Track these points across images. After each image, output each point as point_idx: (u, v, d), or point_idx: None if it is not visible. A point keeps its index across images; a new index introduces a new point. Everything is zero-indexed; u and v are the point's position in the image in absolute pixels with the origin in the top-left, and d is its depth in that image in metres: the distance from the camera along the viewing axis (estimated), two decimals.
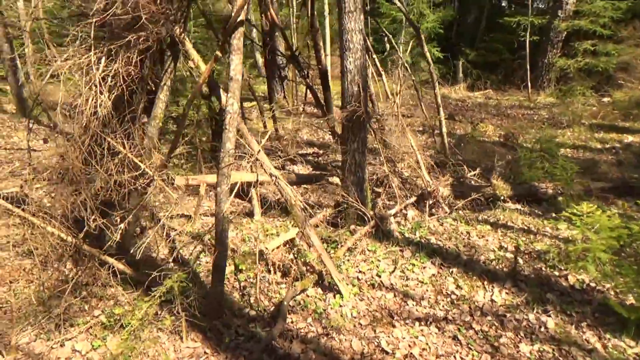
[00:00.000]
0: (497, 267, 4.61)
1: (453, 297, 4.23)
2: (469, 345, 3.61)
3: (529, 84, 15.79)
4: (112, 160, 5.13)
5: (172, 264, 5.03)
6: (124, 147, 4.53)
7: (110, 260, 4.49)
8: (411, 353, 3.55)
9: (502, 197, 6.04)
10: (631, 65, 16.62)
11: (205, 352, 3.61)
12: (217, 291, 4.05)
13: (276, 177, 4.41)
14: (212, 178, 5.93)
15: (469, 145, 8.99)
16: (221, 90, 4.53)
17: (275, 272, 4.74)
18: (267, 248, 5.01)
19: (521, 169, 6.63)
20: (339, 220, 5.50)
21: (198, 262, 5.09)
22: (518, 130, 10.65)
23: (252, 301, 4.32)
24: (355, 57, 4.96)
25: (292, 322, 3.95)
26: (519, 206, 5.99)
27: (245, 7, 3.95)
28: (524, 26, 17.38)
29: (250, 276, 4.72)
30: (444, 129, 7.72)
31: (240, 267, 4.83)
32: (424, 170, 5.85)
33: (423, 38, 7.47)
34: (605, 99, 15.68)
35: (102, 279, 4.45)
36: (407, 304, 4.18)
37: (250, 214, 6.30)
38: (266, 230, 5.77)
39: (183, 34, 4.55)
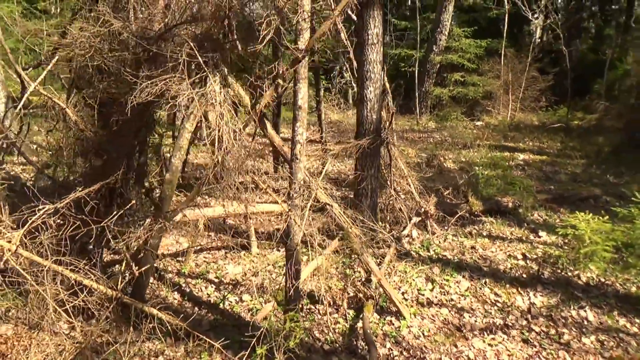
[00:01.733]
0: (518, 273, 5.14)
1: (498, 305, 4.61)
2: (542, 346, 3.99)
3: (418, 110, 17.51)
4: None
5: (196, 308, 4.62)
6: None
7: (154, 311, 3.98)
8: (502, 359, 3.81)
9: (476, 212, 6.70)
10: (494, 94, 19.49)
11: None
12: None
13: (331, 205, 4.39)
14: (212, 211, 5.60)
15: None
16: (266, 120, 4.38)
17: (321, 303, 4.64)
18: (301, 279, 4.89)
19: (479, 187, 7.42)
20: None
21: (229, 301, 4.75)
22: (438, 152, 11.76)
23: (317, 335, 4.19)
24: (375, 86, 5.19)
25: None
26: (491, 219, 6.71)
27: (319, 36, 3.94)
28: (404, 57, 19.36)
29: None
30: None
31: (282, 303, 4.62)
32: (415, 192, 6.25)
33: None
34: (478, 123, 18.09)
35: (144, 334, 3.92)
36: (464, 317, 4.43)
37: (244, 247, 6.01)
38: (277, 263, 5.58)
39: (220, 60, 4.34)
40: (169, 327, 4.00)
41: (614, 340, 4.02)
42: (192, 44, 3.24)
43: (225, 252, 5.99)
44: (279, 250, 5.95)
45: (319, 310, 4.55)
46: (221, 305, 4.70)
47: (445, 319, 4.39)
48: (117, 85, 3.87)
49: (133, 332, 3.90)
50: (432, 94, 19.14)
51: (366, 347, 3.95)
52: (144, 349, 3.95)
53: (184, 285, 5.12)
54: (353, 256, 5.25)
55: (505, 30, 18.91)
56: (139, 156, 4.58)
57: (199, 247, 5.98)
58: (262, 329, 3.55)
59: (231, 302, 4.76)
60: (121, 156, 4.29)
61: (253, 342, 3.43)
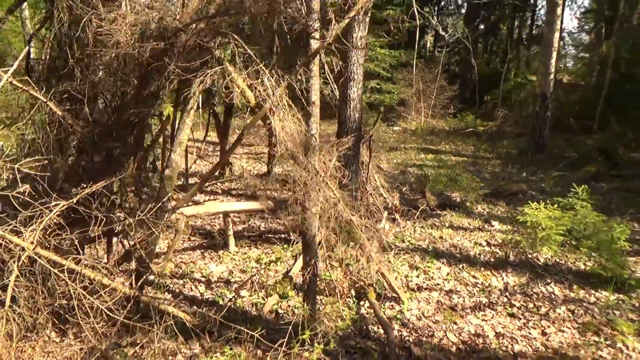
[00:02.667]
0: (486, 258, 5.69)
1: (478, 286, 5.09)
2: (526, 318, 4.51)
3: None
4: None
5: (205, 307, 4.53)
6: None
7: (170, 308, 3.86)
8: (498, 332, 4.25)
9: (432, 207, 7.25)
10: (407, 101, 20.80)
11: None
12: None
13: (339, 200, 4.56)
14: (222, 206, 5.50)
15: None
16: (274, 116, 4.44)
17: (329, 293, 4.79)
18: (294, 273, 5.02)
19: (428, 183, 8.01)
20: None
21: (227, 298, 4.70)
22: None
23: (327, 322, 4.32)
24: (357, 87, 5.46)
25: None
26: (445, 212, 7.29)
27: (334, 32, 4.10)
28: None
29: (297, 305, 4.64)
30: None
31: (285, 295, 4.69)
32: (382, 188, 6.62)
33: None
34: (395, 128, 19.20)
35: (160, 333, 3.78)
36: (453, 298, 4.84)
37: (217, 247, 5.93)
38: (260, 259, 5.60)
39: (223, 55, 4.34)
40: (178, 325, 3.94)
41: (581, 309, 4.66)
42: (236, 37, 3.25)
43: (202, 252, 5.87)
44: (257, 248, 5.97)
45: (321, 300, 4.68)
46: (221, 302, 4.65)
47: (438, 300, 4.76)
48: (140, 78, 3.72)
49: (148, 332, 3.77)
50: None
51: (379, 330, 4.18)
52: (161, 348, 3.80)
53: (171, 285, 4.97)
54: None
55: (416, 43, 20.33)
56: (142, 152, 4.39)
57: (176, 248, 5.79)
58: (293, 320, 3.63)
59: (229, 298, 4.72)
60: (127, 151, 4.09)
61: (289, 330, 3.50)
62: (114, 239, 4.66)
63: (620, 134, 13.29)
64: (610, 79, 14.84)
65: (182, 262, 5.62)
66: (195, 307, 4.54)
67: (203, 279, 5.14)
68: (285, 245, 5.89)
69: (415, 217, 6.73)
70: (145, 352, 3.75)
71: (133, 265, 3.95)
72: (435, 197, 7.38)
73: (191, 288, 4.95)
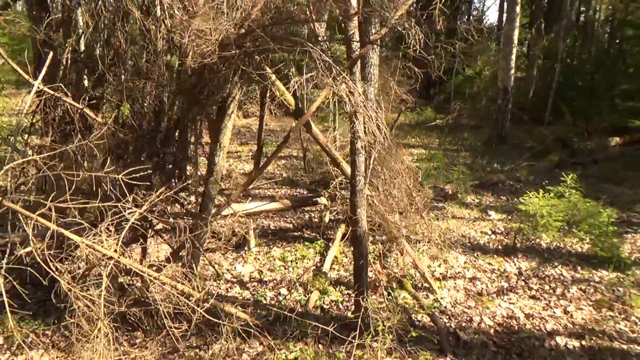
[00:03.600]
0: (495, 246, 6.12)
1: (496, 272, 5.48)
2: (546, 299, 4.94)
3: None
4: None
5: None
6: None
7: (233, 310, 3.93)
8: (527, 313, 4.64)
9: (430, 199, 7.62)
10: None
11: None
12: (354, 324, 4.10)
13: (371, 195, 4.77)
14: (248, 207, 5.53)
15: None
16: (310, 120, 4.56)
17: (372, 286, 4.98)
18: (327, 268, 5.20)
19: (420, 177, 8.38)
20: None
21: (269, 297, 4.81)
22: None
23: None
24: (374, 87, 5.66)
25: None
26: (443, 204, 7.69)
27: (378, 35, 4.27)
28: None
29: (338, 299, 4.82)
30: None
31: (325, 291, 4.85)
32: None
33: None
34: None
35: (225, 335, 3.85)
36: (477, 284, 5.20)
37: (238, 247, 5.98)
38: (285, 257, 5.72)
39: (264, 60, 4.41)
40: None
41: (590, 288, 5.15)
42: (309, 45, 3.37)
43: (223, 253, 5.90)
44: (277, 247, 6.07)
45: (349, 293, 4.88)
46: (264, 301, 4.74)
47: (464, 288, 5.10)
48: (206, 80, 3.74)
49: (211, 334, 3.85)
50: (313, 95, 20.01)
51: (422, 319, 4.45)
52: (224, 350, 3.88)
53: (207, 287, 4.99)
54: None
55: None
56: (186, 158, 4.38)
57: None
58: (360, 313, 3.81)
59: (271, 297, 4.82)
60: (173, 157, 4.09)
61: (359, 324, 3.68)
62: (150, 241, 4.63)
63: (573, 124, 14.37)
64: (559, 72, 15.94)
65: (204, 263, 5.63)
66: (239, 307, 4.61)
67: (235, 280, 5.19)
68: (307, 243, 6.03)
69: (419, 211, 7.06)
70: (210, 353, 3.82)
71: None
72: (430, 190, 7.76)
73: (227, 289, 5.00)
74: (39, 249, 3.19)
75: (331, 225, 6.44)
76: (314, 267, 5.39)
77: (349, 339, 3.57)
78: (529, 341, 4.18)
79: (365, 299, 4.08)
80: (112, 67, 4.49)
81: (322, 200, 6.54)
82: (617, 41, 19.37)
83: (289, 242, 6.18)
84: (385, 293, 4.64)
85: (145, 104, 4.43)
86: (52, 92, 4.08)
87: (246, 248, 5.91)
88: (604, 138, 13.27)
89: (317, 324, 3.64)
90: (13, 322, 3.53)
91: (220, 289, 5.00)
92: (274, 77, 4.42)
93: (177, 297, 3.37)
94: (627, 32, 17.08)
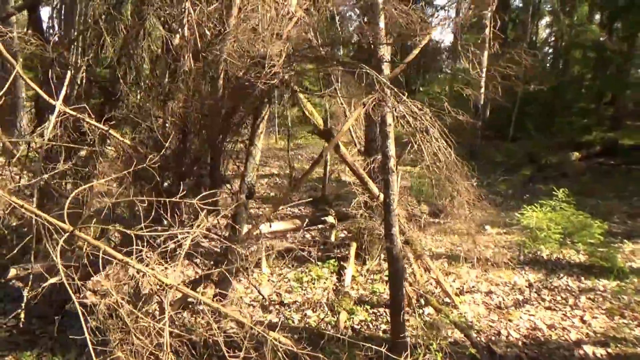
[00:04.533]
0: (501, 259, 6.29)
1: (508, 285, 5.64)
2: (561, 310, 5.12)
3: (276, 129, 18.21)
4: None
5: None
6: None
7: (276, 335, 3.84)
8: (549, 324, 4.79)
9: (425, 214, 7.78)
10: (338, 116, 21.43)
11: None
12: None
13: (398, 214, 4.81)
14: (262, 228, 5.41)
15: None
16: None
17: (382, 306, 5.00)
18: (348, 287, 5.19)
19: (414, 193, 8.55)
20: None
21: (296, 319, 4.72)
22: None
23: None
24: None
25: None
26: (437, 220, 7.86)
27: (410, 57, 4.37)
28: None
29: (366, 319, 4.81)
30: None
31: (353, 311, 4.82)
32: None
33: None
34: None
35: None
36: (493, 298, 5.33)
37: (248, 269, 5.86)
38: (300, 278, 5.65)
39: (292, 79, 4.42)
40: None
41: (599, 297, 5.39)
42: (366, 66, 3.41)
43: (235, 276, 5.75)
44: (288, 267, 5.99)
45: (374, 312, 4.89)
46: (292, 323, 4.66)
47: (483, 302, 5.22)
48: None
49: None
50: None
51: (453, 334, 4.50)
52: None
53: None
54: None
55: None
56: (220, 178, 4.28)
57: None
58: (403, 332, 3.81)
59: (298, 319, 4.75)
60: (217, 178, 3.99)
61: (408, 343, 3.68)
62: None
63: (538, 139, 15.11)
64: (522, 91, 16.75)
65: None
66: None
67: (255, 303, 5.08)
68: (319, 263, 5.98)
69: (421, 226, 7.19)
70: None
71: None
72: (426, 206, 7.92)
73: (250, 314, 4.87)
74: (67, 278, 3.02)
75: (337, 244, 6.45)
76: (334, 287, 5.35)
77: (402, 359, 3.55)
78: (558, 352, 4.31)
79: (403, 318, 4.10)
80: (132, 87, 4.36)
81: (330, 219, 6.53)
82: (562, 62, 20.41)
83: (299, 262, 6.11)
84: (417, 310, 4.66)
85: (167, 125, 4.32)
86: (73, 114, 3.91)
87: (258, 270, 5.80)
88: (566, 153, 13.98)
89: (369, 345, 3.60)
90: None
91: (240, 313, 4.87)
92: (303, 97, 4.43)
93: (231, 325, 3.27)
94: (574, 54, 18.10)
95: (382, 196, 5.05)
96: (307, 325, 4.61)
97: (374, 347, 3.65)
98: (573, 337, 4.56)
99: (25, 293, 3.73)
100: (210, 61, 3.86)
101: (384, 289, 5.30)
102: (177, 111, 4.10)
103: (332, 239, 6.54)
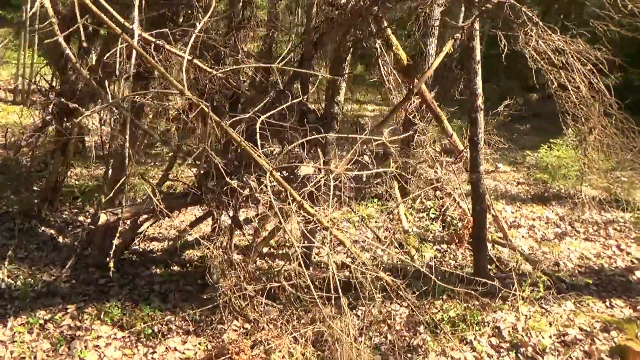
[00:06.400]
0: (526, 196, 6.62)
1: (542, 219, 5.97)
2: (597, 240, 5.51)
3: None
4: None
5: None
6: None
7: (382, 274, 3.84)
8: (595, 253, 5.17)
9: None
10: None
11: None
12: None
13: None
14: None
15: None
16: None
17: None
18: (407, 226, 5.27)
19: None
20: None
21: None
22: None
23: None
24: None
25: None
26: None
27: None
28: None
29: (436, 255, 4.92)
30: None
31: (420, 249, 4.91)
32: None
33: None
34: None
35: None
36: (536, 232, 5.64)
37: None
38: (350, 219, 5.63)
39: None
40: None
41: (624, 227, 5.85)
42: None
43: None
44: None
45: (440, 248, 5.03)
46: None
47: (529, 235, 5.51)
48: None
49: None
50: None
51: (524, 267, 4.75)
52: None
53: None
54: None
55: None
56: None
57: None
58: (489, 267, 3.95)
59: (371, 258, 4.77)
60: None
61: (514, 278, 3.83)
62: None
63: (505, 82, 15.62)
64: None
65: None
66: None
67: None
68: (362, 202, 5.97)
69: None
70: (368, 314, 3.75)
71: None
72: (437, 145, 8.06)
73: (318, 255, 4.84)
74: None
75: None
76: (386, 227, 5.40)
77: (512, 291, 3.69)
78: (615, 279, 4.69)
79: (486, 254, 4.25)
80: None
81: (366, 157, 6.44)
82: None
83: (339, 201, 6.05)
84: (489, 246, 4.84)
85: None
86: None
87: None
88: (527, 94, 14.58)
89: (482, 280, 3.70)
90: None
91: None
92: (389, 31, 4.21)
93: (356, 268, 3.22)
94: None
95: (454, 135, 5.07)
96: (382, 264, 4.64)
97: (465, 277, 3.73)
98: (621, 265, 4.96)
99: (115, 241, 3.42)
100: None
101: (438, 226, 5.45)
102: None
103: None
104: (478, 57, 4.28)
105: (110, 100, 3.15)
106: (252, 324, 3.72)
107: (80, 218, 5.18)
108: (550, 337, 3.78)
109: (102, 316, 3.61)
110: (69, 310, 3.67)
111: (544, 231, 5.66)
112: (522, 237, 5.47)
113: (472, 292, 3.38)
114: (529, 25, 3.21)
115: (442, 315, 3.87)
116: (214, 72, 3.57)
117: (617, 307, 4.22)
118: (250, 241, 4.27)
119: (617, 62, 3.22)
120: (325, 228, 2.89)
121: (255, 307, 3.57)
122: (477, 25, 4.18)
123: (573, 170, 6.71)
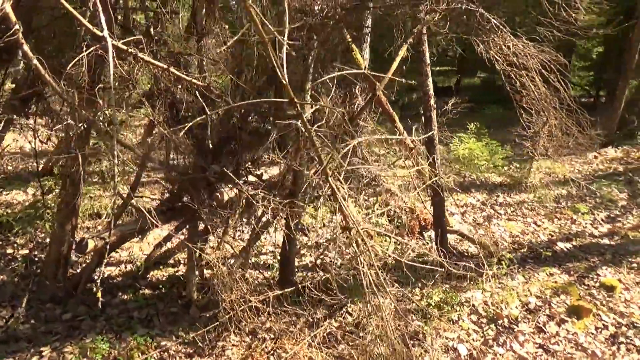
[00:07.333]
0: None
1: (469, 205, 6.60)
2: (518, 219, 6.28)
3: None
4: None
5: None
6: None
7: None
8: (520, 231, 5.89)
9: None
10: None
11: None
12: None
13: None
14: None
15: None
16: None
17: None
18: None
19: None
20: None
21: None
22: None
23: None
24: None
25: None
26: None
27: None
28: None
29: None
30: None
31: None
32: None
33: None
34: None
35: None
36: (467, 217, 6.23)
37: None
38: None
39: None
40: None
41: (529, 206, 6.72)
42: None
43: None
44: None
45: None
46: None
47: (464, 220, 6.07)
48: None
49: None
50: None
51: (470, 249, 5.24)
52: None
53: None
54: None
55: None
56: None
57: None
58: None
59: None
60: None
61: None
62: None
63: None
64: None
65: None
66: None
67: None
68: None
69: None
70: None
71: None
72: None
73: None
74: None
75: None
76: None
77: (487, 271, 4.08)
78: (544, 250, 5.39)
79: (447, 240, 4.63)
80: None
81: None
82: None
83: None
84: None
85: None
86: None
87: None
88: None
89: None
90: None
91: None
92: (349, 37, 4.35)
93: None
94: None
95: (405, 134, 5.36)
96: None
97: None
98: (544, 238, 5.72)
99: (102, 268, 3.09)
100: None
101: (385, 220, 5.75)
102: None
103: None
104: (428, 60, 4.63)
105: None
106: (250, 336, 3.61)
107: (9, 250, 4.47)
108: (516, 307, 4.26)
109: (88, 353, 3.20)
110: (44, 354, 3.19)
111: (474, 215, 6.28)
112: (459, 222, 6.01)
113: (451, 274, 3.68)
114: (497, 32, 3.58)
115: (428, 301, 4.13)
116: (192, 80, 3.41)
117: (555, 275, 4.89)
118: (239, 251, 4.11)
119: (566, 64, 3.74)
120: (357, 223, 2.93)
121: (270, 318, 3.46)
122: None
123: (482, 160, 7.54)
